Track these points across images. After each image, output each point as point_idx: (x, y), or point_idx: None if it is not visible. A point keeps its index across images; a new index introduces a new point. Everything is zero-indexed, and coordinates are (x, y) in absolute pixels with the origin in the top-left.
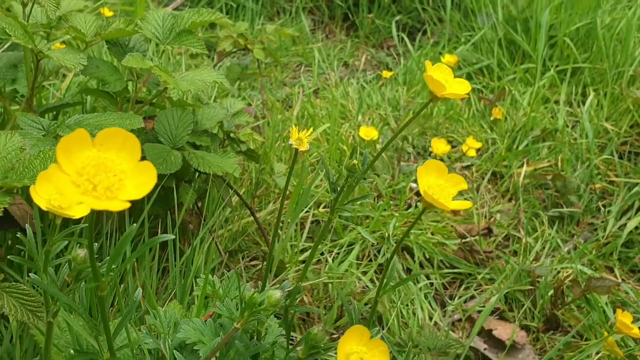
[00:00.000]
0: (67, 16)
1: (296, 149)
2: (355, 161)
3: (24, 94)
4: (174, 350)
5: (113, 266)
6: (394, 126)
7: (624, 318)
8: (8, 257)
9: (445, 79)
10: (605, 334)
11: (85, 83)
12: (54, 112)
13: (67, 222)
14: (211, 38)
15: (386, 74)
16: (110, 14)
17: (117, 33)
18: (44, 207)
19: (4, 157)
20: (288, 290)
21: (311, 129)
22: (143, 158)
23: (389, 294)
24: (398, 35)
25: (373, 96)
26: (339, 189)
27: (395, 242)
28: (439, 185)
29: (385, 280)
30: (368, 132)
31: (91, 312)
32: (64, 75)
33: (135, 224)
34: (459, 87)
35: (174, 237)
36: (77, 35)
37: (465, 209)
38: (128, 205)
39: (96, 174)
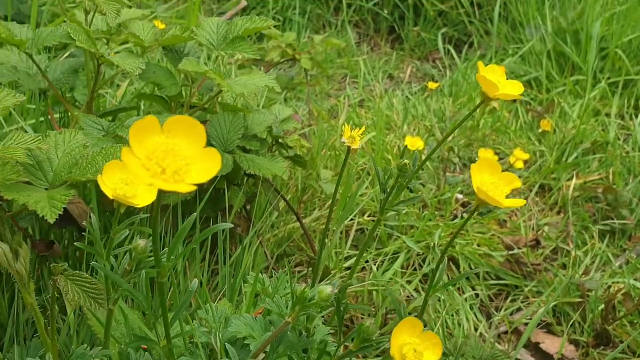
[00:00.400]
0: (127, 24)
1: (348, 147)
2: (406, 160)
3: (81, 101)
4: (226, 343)
5: (172, 256)
6: (439, 137)
7: None
8: (75, 243)
9: (498, 79)
10: None
11: (140, 90)
12: (111, 117)
13: (129, 214)
14: (258, 50)
15: (432, 85)
16: (162, 26)
17: (173, 39)
18: (110, 195)
19: (68, 154)
20: (338, 286)
21: (363, 127)
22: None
23: (435, 303)
24: (444, 47)
25: (418, 107)
26: (388, 189)
27: (441, 252)
28: (492, 182)
29: (433, 285)
30: (414, 142)
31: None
32: (118, 86)
33: (195, 214)
34: (511, 88)
35: (232, 225)
36: (136, 41)
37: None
38: (194, 188)
39: (165, 158)
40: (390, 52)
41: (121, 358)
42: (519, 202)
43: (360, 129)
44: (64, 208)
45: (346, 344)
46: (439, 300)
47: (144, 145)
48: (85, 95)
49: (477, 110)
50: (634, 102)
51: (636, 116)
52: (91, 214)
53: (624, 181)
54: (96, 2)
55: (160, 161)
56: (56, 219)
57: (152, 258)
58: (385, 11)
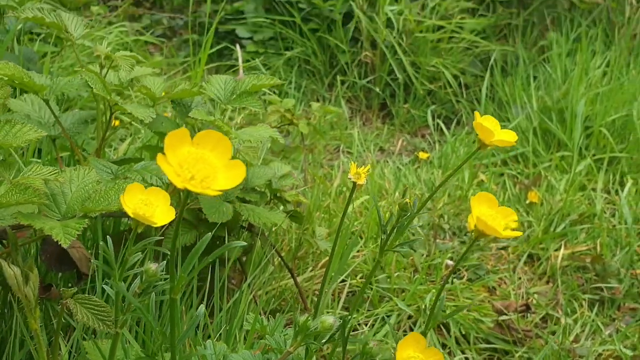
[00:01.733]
0: (139, 78)
1: (354, 184)
2: (407, 199)
3: (89, 150)
4: None
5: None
6: (430, 205)
7: None
8: (91, 260)
9: (494, 128)
10: None
11: (145, 143)
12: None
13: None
14: (255, 116)
15: (422, 155)
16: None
17: (183, 93)
18: (131, 214)
19: (82, 188)
20: (341, 318)
21: (369, 166)
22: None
23: None
24: (434, 123)
25: (409, 177)
26: (388, 231)
27: (437, 291)
28: (490, 215)
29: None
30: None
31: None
32: (116, 149)
33: (209, 233)
34: (506, 135)
35: (245, 243)
36: (147, 92)
37: (513, 227)
38: (220, 193)
39: (194, 165)
40: (381, 127)
41: None
42: (516, 233)
43: (365, 167)
44: (64, 251)
45: None
46: None
47: (176, 154)
48: (93, 146)
49: (466, 182)
50: (619, 178)
51: (622, 191)
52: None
53: (612, 253)
54: (112, 57)
55: (191, 168)
56: (57, 261)
57: (162, 282)
58: (377, 88)
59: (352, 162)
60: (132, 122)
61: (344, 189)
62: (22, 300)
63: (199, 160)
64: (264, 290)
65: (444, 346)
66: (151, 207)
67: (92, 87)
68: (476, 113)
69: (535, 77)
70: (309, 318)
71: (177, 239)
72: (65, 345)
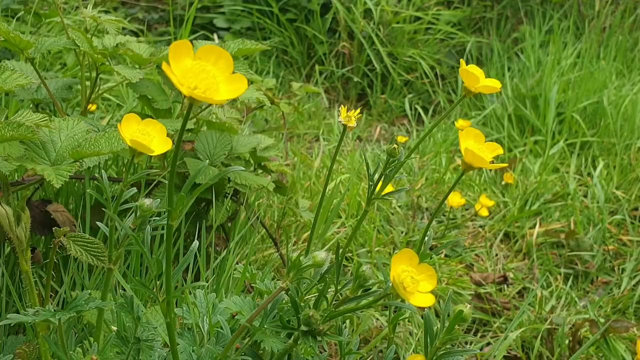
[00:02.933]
0: (124, 43)
1: (344, 126)
2: (395, 145)
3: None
4: (218, 316)
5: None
6: (408, 187)
7: None
8: (87, 191)
9: (479, 74)
10: None
11: (130, 110)
12: None
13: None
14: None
15: (401, 139)
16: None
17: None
18: (128, 142)
19: (71, 137)
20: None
21: (359, 110)
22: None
23: (406, 337)
24: (411, 110)
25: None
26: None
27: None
28: (478, 148)
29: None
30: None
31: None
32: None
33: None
34: (491, 82)
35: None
36: (133, 55)
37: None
38: (225, 101)
39: (197, 76)
40: (359, 117)
41: (124, 300)
42: (501, 165)
43: (355, 110)
44: (48, 215)
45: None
46: (410, 334)
47: (179, 65)
48: (78, 110)
49: (444, 166)
50: (591, 161)
51: (594, 173)
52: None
53: (585, 230)
54: (98, 20)
55: (194, 79)
56: (40, 225)
57: (157, 218)
58: (356, 78)
59: (342, 106)
60: (112, 99)
61: (325, 170)
62: (13, 241)
63: (201, 72)
64: (248, 261)
65: (423, 317)
66: (148, 137)
67: (78, 46)
68: (461, 61)
69: (509, 68)
70: (301, 254)
71: (176, 159)
72: (51, 304)
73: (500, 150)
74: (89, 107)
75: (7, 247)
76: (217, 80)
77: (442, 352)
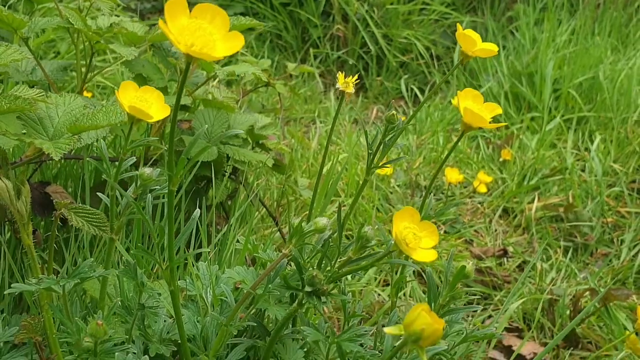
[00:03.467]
0: (118, 23)
1: (342, 92)
2: (393, 112)
3: None
4: (222, 284)
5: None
6: (405, 167)
7: None
8: (88, 158)
9: (476, 38)
10: (627, 332)
11: None
12: None
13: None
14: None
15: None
16: None
17: (162, 36)
18: (126, 108)
19: (69, 112)
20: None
21: (357, 75)
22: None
23: (408, 309)
24: (407, 92)
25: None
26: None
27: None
28: (477, 107)
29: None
30: (382, 169)
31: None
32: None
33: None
34: (488, 46)
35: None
36: (127, 34)
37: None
38: (222, 57)
39: (194, 33)
40: (355, 100)
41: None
42: (501, 124)
43: (353, 76)
44: (47, 196)
45: None
46: (411, 299)
47: (176, 24)
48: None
49: (441, 145)
50: (588, 136)
51: (591, 148)
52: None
53: (583, 203)
54: (92, 0)
55: (190, 36)
56: (40, 207)
57: (157, 187)
58: (351, 61)
59: (340, 73)
60: (107, 84)
61: (322, 151)
62: (14, 215)
63: (197, 29)
64: (248, 235)
65: (424, 292)
66: (146, 103)
67: (72, 24)
68: (458, 25)
69: (504, 47)
70: (303, 220)
71: (173, 133)
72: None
73: (499, 110)
74: (84, 93)
75: (7, 230)
76: (214, 37)
77: (445, 310)
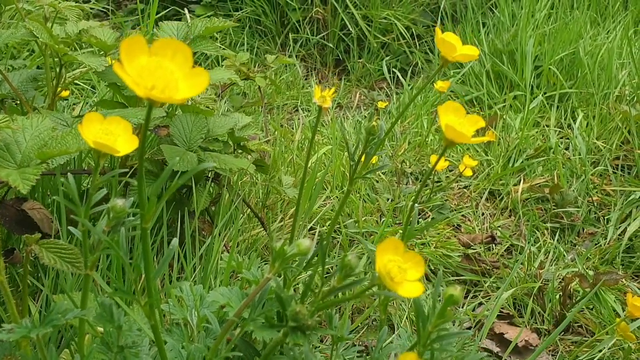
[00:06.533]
0: (87, 29)
1: (320, 107)
2: (374, 123)
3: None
4: (206, 310)
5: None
6: (390, 153)
7: (636, 302)
8: (53, 198)
9: (456, 43)
10: (617, 319)
11: (102, 97)
12: None
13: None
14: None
15: (381, 104)
16: None
17: None
18: (91, 143)
19: (37, 136)
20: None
21: (333, 89)
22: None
23: (398, 304)
24: (389, 74)
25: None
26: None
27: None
28: (459, 122)
29: (407, 231)
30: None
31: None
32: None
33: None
34: (468, 50)
35: (215, 164)
36: (97, 42)
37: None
38: (184, 102)
39: (154, 74)
40: (337, 83)
41: (103, 309)
42: (485, 138)
43: (330, 89)
44: (24, 213)
45: None
46: (402, 301)
47: (134, 64)
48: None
49: (425, 129)
50: (570, 113)
51: (574, 125)
52: (68, 174)
53: (568, 182)
54: (57, 6)
55: (150, 77)
56: (17, 225)
57: (131, 218)
58: (331, 44)
59: (316, 85)
60: (84, 86)
61: (306, 143)
62: None
63: (158, 69)
64: (235, 242)
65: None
66: (112, 136)
67: (37, 37)
68: (437, 29)
69: (484, 24)
70: (286, 243)
71: (142, 158)
72: (35, 305)
73: (482, 123)
74: (61, 93)
75: None
76: (176, 76)
77: (435, 337)
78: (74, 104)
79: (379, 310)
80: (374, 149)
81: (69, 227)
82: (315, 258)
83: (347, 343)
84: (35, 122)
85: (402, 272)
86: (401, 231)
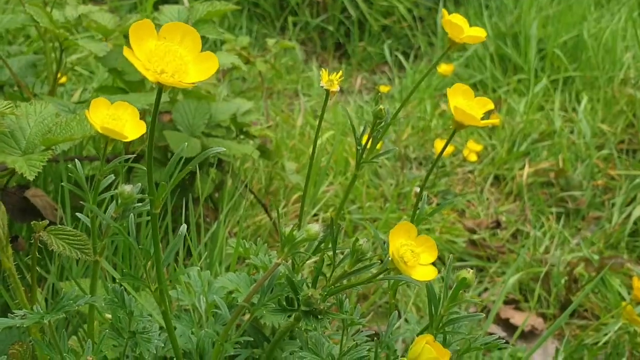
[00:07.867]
0: (87, 14)
1: (327, 91)
2: (381, 107)
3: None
4: (215, 296)
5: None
6: (394, 138)
7: None
8: (62, 184)
9: (463, 24)
10: (623, 303)
11: (102, 83)
12: None
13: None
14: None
15: (383, 88)
16: None
17: None
18: (99, 129)
19: (41, 122)
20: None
21: (340, 72)
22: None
23: (404, 290)
24: (391, 57)
25: (371, 113)
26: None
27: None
28: (468, 105)
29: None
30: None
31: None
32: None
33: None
34: (476, 31)
35: (224, 149)
36: (97, 27)
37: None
38: (194, 86)
39: (163, 58)
40: (338, 67)
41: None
42: (494, 121)
43: (337, 73)
44: (26, 201)
45: None
46: (408, 286)
47: (143, 48)
48: (45, 91)
49: (429, 113)
50: (575, 96)
51: (578, 108)
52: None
53: (573, 166)
54: None
55: (160, 62)
56: (20, 212)
57: (139, 204)
58: (332, 27)
59: (323, 70)
60: (82, 72)
61: (308, 128)
62: None
63: (167, 53)
64: (239, 228)
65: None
66: (120, 121)
67: (37, 22)
68: (444, 11)
69: (487, 6)
70: (295, 228)
71: (151, 152)
72: (41, 293)
73: (491, 105)
74: (61, 79)
75: None
76: (185, 60)
77: (447, 320)
78: (72, 90)
79: (389, 295)
80: (380, 133)
81: (77, 214)
82: (322, 244)
83: (356, 328)
84: (39, 108)
85: (416, 256)
86: (406, 217)
